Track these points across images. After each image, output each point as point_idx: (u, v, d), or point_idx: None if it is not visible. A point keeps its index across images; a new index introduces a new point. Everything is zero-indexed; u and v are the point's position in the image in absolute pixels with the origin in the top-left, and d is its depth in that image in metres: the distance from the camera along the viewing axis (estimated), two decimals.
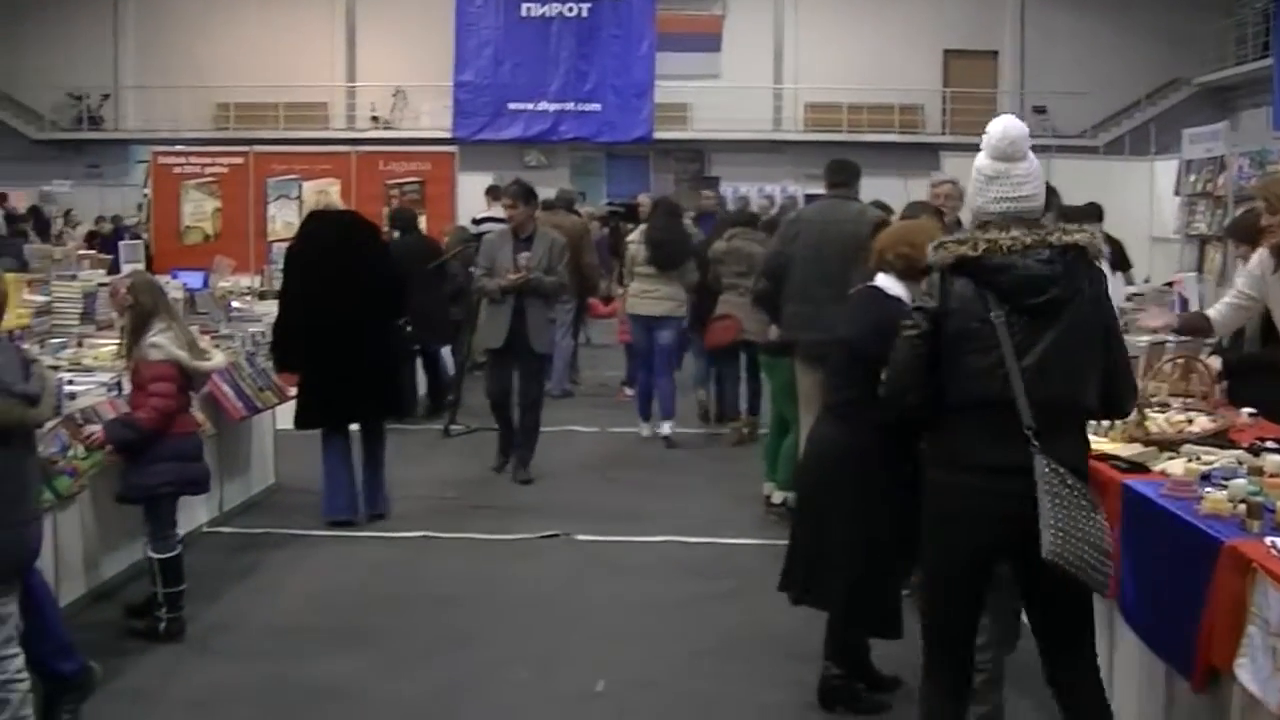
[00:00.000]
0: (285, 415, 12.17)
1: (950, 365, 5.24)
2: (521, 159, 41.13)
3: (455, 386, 15.89)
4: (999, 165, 5.35)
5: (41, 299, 11.22)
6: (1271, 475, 5.84)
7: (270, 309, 13.35)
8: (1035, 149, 5.53)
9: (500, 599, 9.40)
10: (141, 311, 8.37)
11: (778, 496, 11.26)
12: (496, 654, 8.22)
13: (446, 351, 16.62)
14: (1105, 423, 7.13)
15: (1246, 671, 4.95)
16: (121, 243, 17.96)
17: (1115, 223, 14.94)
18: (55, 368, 8.89)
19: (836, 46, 42.36)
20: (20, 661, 6.20)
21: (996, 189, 5.33)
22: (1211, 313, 8.17)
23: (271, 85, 42.11)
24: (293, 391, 11.59)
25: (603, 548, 10.68)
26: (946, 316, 5.24)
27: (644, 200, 20.52)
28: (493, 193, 19.07)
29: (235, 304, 13.44)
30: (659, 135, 41.87)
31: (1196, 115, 31.66)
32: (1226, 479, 5.83)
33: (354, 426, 11.32)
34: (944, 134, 39.33)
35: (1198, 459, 6.37)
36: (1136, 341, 9.75)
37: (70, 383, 8.90)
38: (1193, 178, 19.08)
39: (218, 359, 9.09)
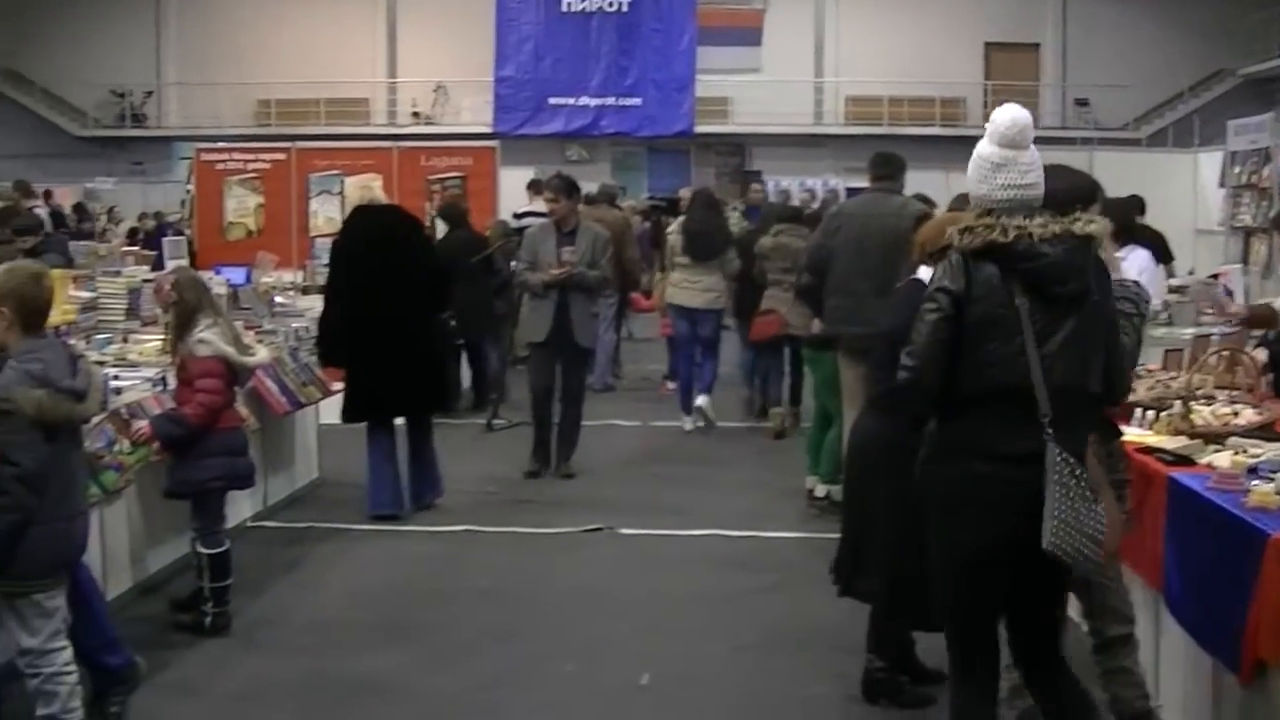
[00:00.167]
0: (328, 410, 12.24)
1: (971, 351, 5.19)
2: (563, 153, 41.14)
3: (498, 381, 15.92)
4: (1006, 153, 5.34)
5: (87, 295, 11.27)
6: None
7: (312, 304, 13.41)
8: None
9: (543, 593, 9.41)
10: (186, 308, 8.39)
11: (820, 490, 11.25)
12: (540, 648, 8.23)
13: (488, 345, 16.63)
14: (1150, 414, 7.13)
15: None
16: (165, 239, 17.98)
17: (1159, 215, 14.87)
18: (101, 363, 8.92)
19: (877, 39, 42.28)
20: (68, 654, 6.24)
21: (1004, 176, 5.30)
22: (1278, 304, 8.15)
23: (313, 81, 42.20)
24: (336, 386, 11.64)
25: (646, 541, 10.68)
26: (970, 302, 5.19)
27: (685, 194, 20.51)
28: (534, 187, 19.08)
29: (278, 299, 13.49)
30: (700, 129, 41.85)
31: (1240, 107, 31.48)
32: (1273, 471, 5.82)
33: (398, 421, 11.35)
34: (986, 127, 39.10)
35: (1244, 451, 6.34)
36: (1182, 334, 9.74)
37: (116, 378, 8.93)
38: (1237, 169, 18.98)
39: (262, 354, 9.11)
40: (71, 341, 8.56)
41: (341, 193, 18.71)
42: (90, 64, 43.24)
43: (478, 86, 42.19)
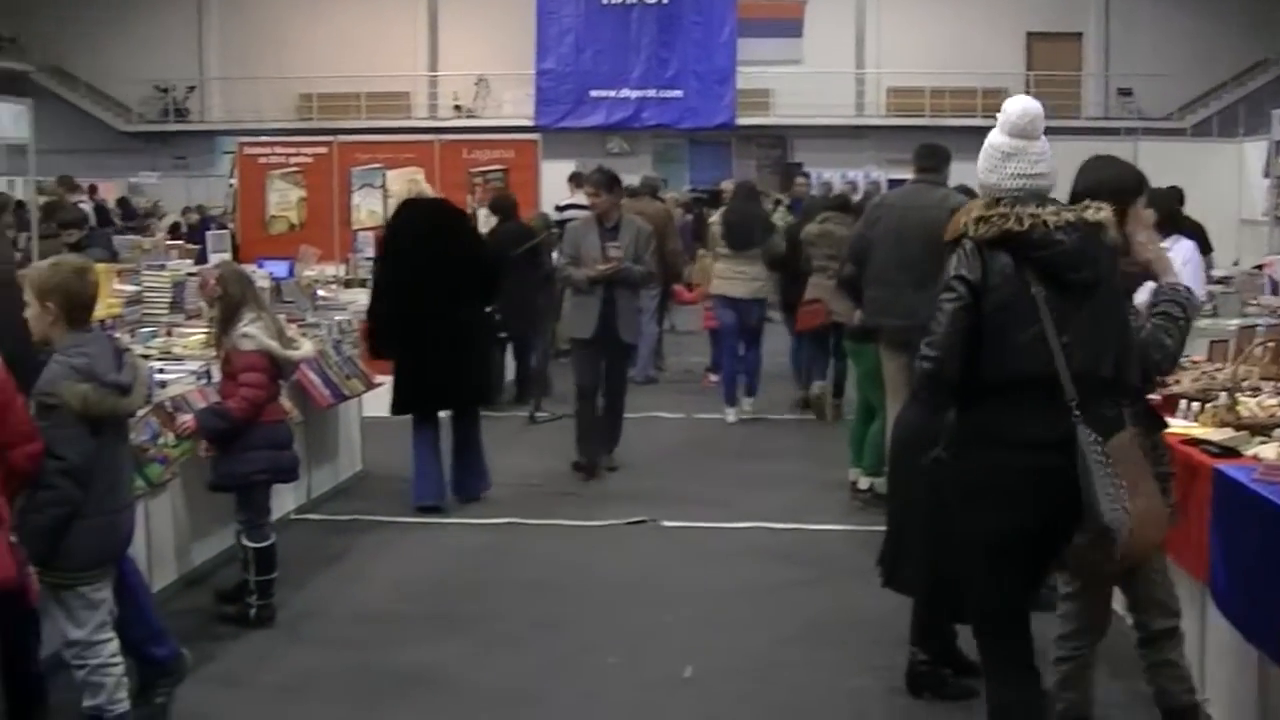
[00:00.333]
0: (372, 402, 12.28)
1: (992, 340, 5.23)
2: (604, 146, 41.23)
3: (541, 374, 15.93)
4: (1017, 143, 5.39)
5: (131, 289, 11.33)
6: None
7: (355, 297, 13.47)
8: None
9: (587, 585, 9.42)
10: (230, 302, 8.41)
11: (864, 482, 11.24)
12: (584, 640, 8.24)
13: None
14: (1195, 406, 7.09)
15: None
16: (209, 232, 18.08)
17: (1203, 206, 14.76)
18: (146, 356, 8.96)
19: (918, 30, 42.17)
20: (114, 646, 6.28)
21: (1014, 165, 5.36)
22: None
23: (354, 75, 42.39)
24: (379, 379, 11.69)
25: (689, 533, 10.68)
26: (987, 291, 5.23)
27: (727, 186, 20.57)
28: (576, 179, 19.08)
29: (320, 292, 13.52)
30: (741, 121, 41.89)
31: None
32: None
33: (443, 414, 11.38)
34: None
35: None
36: (1227, 325, 9.68)
37: (160, 371, 8.98)
38: None
39: (307, 348, 9.12)
40: (116, 335, 8.60)
41: (383, 186, 18.81)
42: (134, 60, 43.55)
43: (519, 79, 42.29)
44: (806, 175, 23.18)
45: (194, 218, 29.37)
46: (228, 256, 14.00)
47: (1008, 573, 5.38)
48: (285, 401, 9.11)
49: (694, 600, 9.02)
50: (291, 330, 9.41)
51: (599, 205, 12.38)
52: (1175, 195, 13.05)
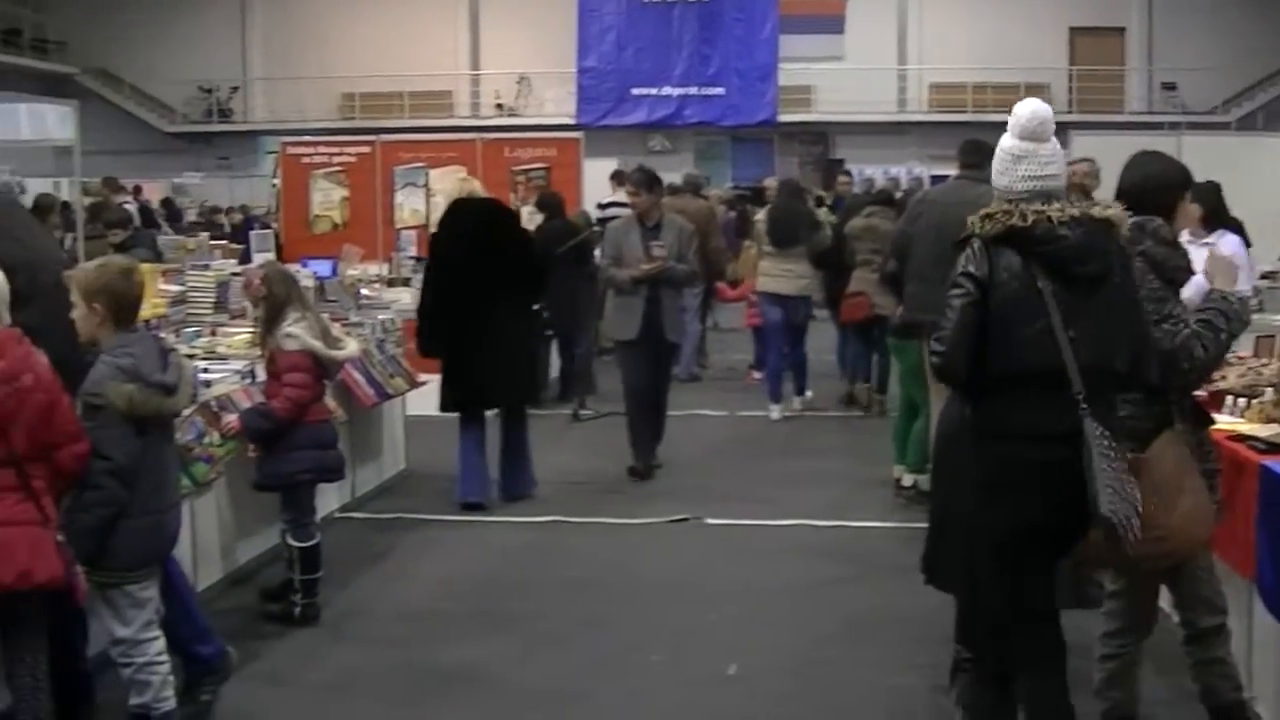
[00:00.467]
0: (415, 401, 12.30)
1: (1000, 335, 5.32)
2: (646, 144, 41.22)
3: (584, 371, 15.94)
4: (1027, 145, 5.50)
5: (176, 289, 11.39)
6: None
7: (398, 296, 13.50)
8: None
9: (631, 583, 9.43)
10: (275, 301, 8.43)
11: (908, 479, 11.21)
12: (628, 638, 8.25)
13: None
14: (1242, 402, 7.06)
15: None
16: (253, 232, 18.14)
17: (1250, 200, 14.63)
18: (190, 356, 8.99)
19: (960, 26, 42.04)
20: (161, 645, 6.31)
21: (1024, 168, 5.48)
22: None
23: (396, 75, 42.53)
24: (423, 378, 11.73)
25: (733, 531, 10.68)
26: (994, 287, 5.33)
27: (770, 184, 20.54)
28: (618, 178, 19.07)
29: (364, 291, 13.56)
30: (783, 118, 41.81)
31: None
32: None
33: (490, 412, 11.42)
34: (1071, 112, 38.89)
35: None
36: (1273, 320, 9.63)
37: (205, 371, 9.01)
38: None
39: (351, 347, 9.11)
40: (161, 335, 8.63)
41: (426, 185, 18.86)
42: (178, 61, 43.79)
43: (560, 78, 42.33)
44: (848, 173, 23.05)
45: (237, 218, 29.52)
46: (272, 256, 14.04)
47: (1022, 563, 5.43)
48: (330, 401, 9.12)
49: (737, 598, 9.02)
50: (336, 330, 9.42)
51: (639, 204, 12.33)
52: (1212, 190, 12.98)
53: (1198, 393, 6.22)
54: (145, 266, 8.70)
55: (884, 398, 14.89)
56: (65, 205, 18.98)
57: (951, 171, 10.96)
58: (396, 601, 9.01)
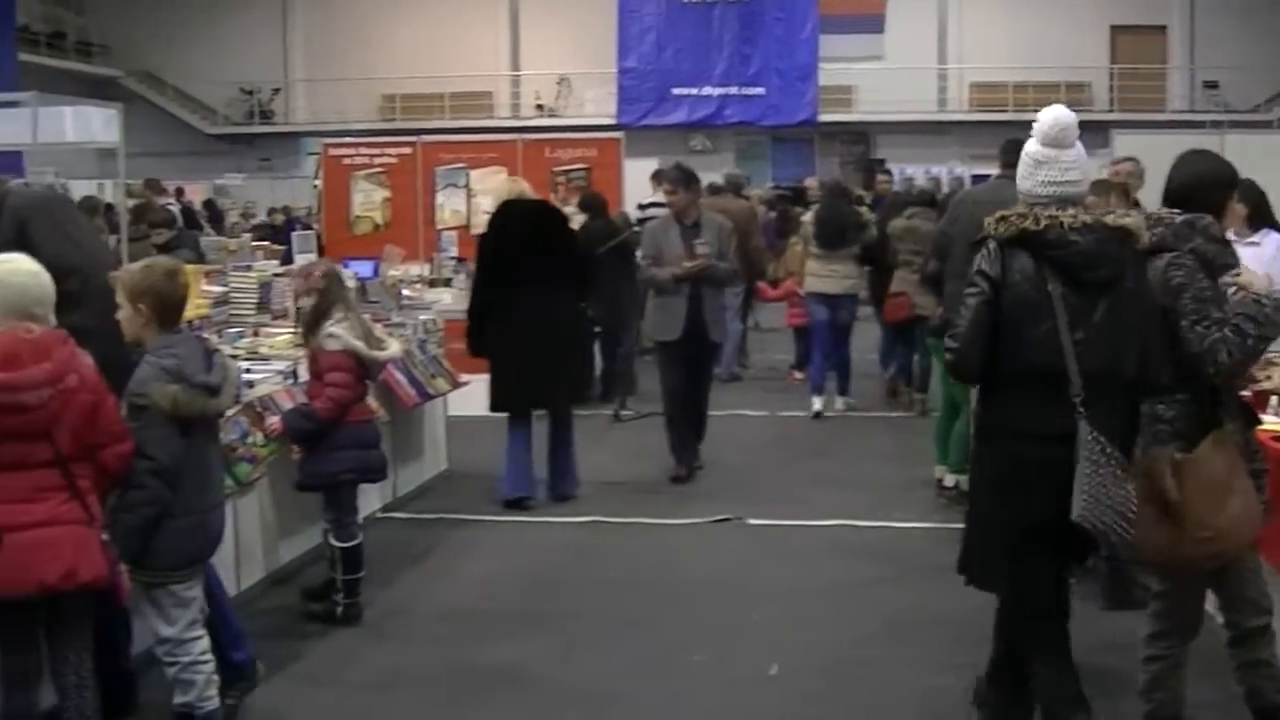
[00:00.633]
0: (457, 401, 12.33)
1: (1009, 334, 5.46)
2: (686, 144, 41.20)
3: (626, 371, 15.95)
4: (1049, 151, 5.63)
5: (219, 289, 11.43)
6: None
7: (439, 297, 13.54)
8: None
9: (672, 583, 9.42)
10: (327, 299, 8.45)
11: (949, 479, 11.18)
12: (670, 638, 8.24)
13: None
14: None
15: None
16: (295, 233, 18.21)
17: None
18: (234, 357, 9.01)
19: (1001, 25, 41.90)
20: (205, 644, 6.33)
21: (1045, 173, 5.61)
22: None
23: (436, 76, 42.64)
24: (465, 378, 11.76)
25: (774, 531, 10.67)
26: (1006, 287, 5.47)
27: (811, 184, 20.54)
28: (658, 178, 19.07)
29: (405, 292, 13.59)
30: (823, 118, 41.71)
31: None
32: None
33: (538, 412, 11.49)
34: (1112, 111, 38.73)
35: None
36: None
37: (247, 371, 9.05)
38: None
39: (394, 348, 9.11)
40: (205, 336, 8.67)
41: (467, 186, 18.89)
42: (220, 63, 44.00)
43: (601, 78, 42.35)
44: (889, 172, 22.97)
45: (279, 219, 29.59)
46: (314, 257, 14.09)
47: (1026, 561, 5.61)
48: (372, 401, 9.15)
49: (778, 598, 9.01)
50: (379, 330, 9.44)
51: (676, 203, 12.26)
52: (1259, 189, 12.88)
53: (1243, 393, 6.20)
54: (189, 267, 8.72)
55: (925, 397, 14.88)
56: (109, 207, 19.07)
57: (993, 171, 10.94)
58: (438, 601, 9.03)
